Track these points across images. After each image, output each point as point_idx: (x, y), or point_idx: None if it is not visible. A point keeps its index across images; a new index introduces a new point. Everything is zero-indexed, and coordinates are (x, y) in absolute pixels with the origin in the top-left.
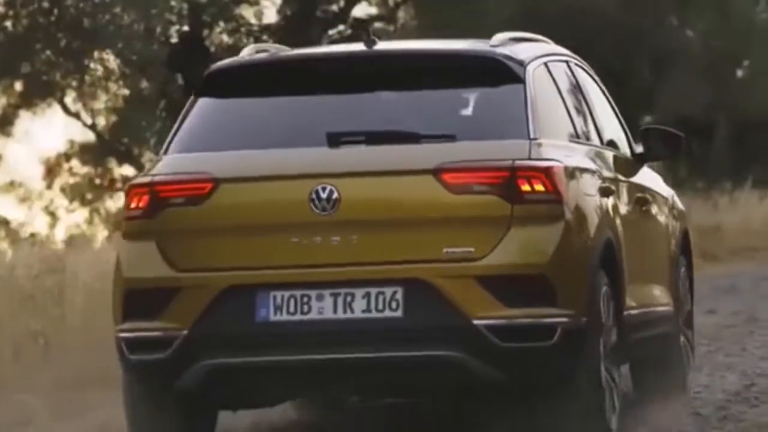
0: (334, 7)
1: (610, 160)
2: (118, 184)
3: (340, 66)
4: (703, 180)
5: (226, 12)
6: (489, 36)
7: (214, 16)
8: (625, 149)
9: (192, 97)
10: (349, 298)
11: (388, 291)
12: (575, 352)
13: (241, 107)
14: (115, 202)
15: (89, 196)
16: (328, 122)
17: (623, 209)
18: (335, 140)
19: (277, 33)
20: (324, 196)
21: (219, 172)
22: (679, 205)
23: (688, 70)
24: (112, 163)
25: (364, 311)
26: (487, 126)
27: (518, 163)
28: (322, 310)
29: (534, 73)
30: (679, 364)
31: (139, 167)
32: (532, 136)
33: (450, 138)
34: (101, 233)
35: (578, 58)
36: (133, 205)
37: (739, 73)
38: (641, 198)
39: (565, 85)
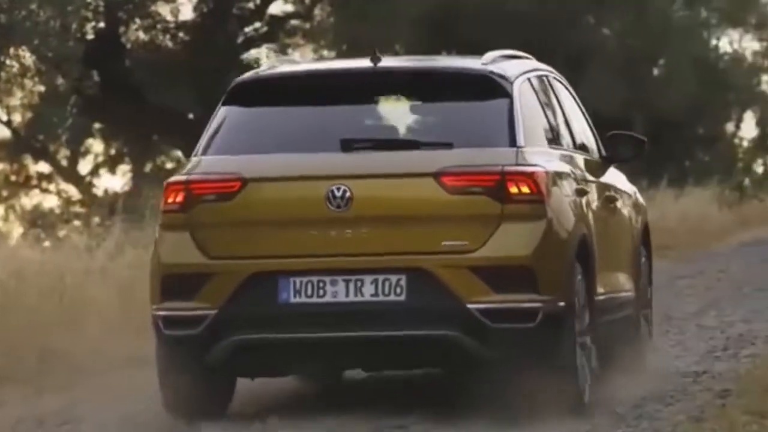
0: (251, 5)
1: (583, 163)
2: (34, 181)
3: (349, 80)
4: None
5: (142, 9)
6: (403, 32)
7: (130, 13)
8: (594, 152)
9: (219, 106)
10: (359, 284)
11: (394, 278)
12: (554, 332)
13: (264, 115)
14: (31, 199)
15: (5, 192)
16: (341, 130)
17: (594, 207)
18: (348, 146)
19: (194, 30)
20: (338, 194)
21: (247, 172)
22: (641, 200)
23: (604, 68)
24: (28, 159)
25: (372, 295)
26: (479, 135)
27: (507, 168)
28: (336, 294)
29: (519, 88)
30: (640, 341)
31: (55, 164)
32: (518, 144)
33: (448, 145)
34: (16, 230)
35: (555, 71)
36: (170, 201)
37: (655, 71)
38: (609, 196)
39: (544, 97)
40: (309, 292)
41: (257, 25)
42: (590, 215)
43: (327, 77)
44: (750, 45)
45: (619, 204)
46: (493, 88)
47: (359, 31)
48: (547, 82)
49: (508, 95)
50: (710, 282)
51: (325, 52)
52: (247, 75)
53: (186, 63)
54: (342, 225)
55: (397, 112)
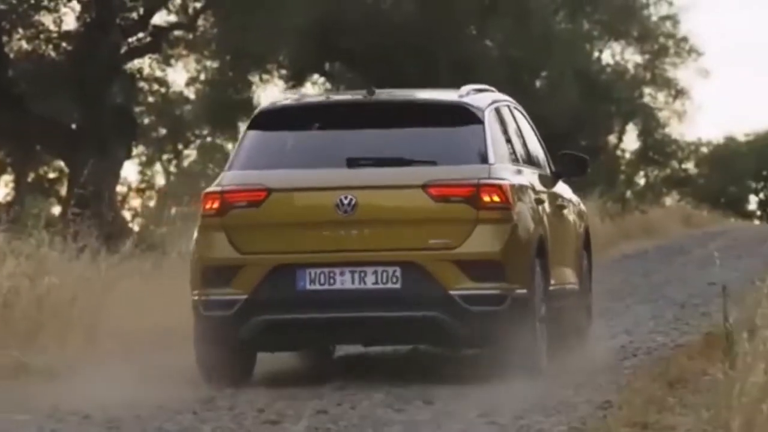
0: (134, 15)
1: (538, 177)
2: None
3: (351, 109)
4: None
5: (25, 18)
6: (287, 42)
7: (13, 23)
8: (546, 168)
9: (244, 130)
10: (362, 274)
11: (390, 270)
12: (519, 314)
13: (282, 138)
14: None
15: None
16: (347, 150)
17: (548, 214)
18: (353, 163)
19: (77, 40)
20: (345, 202)
21: (270, 184)
22: (583, 208)
23: (487, 79)
24: None
25: (373, 284)
26: (458, 154)
27: (481, 181)
28: (344, 282)
29: (489, 116)
30: (582, 325)
31: None
32: (489, 161)
33: (432, 163)
34: None
35: (514, 101)
36: (207, 207)
37: (538, 83)
38: (559, 204)
39: (507, 123)
40: (321, 281)
41: (141, 35)
42: (545, 220)
43: (332, 107)
44: (632, 57)
45: (566, 212)
46: (468, 116)
47: (243, 42)
48: (508, 111)
49: (480, 122)
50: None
51: (209, 63)
52: (268, 105)
53: (69, 73)
54: (348, 227)
55: (391, 135)
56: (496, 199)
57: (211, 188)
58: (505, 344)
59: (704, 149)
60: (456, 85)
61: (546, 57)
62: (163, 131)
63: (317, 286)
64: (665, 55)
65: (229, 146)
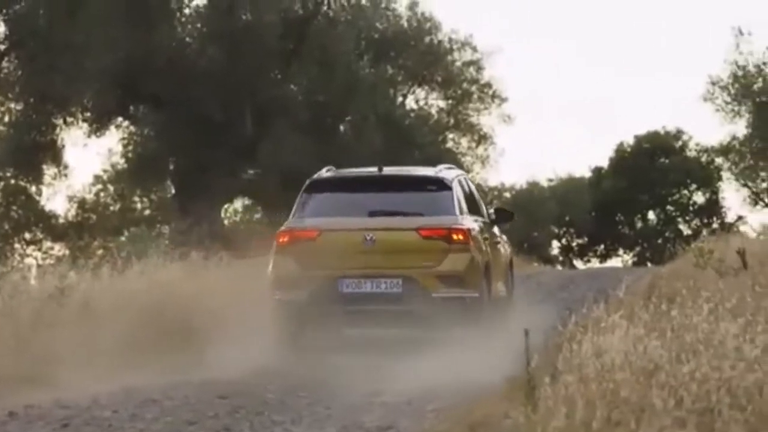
0: None
1: (483, 223)
2: None
3: (368, 180)
4: None
5: None
6: (90, 86)
7: None
8: (486, 217)
9: (301, 192)
10: (378, 283)
11: (395, 280)
12: (474, 309)
13: (327, 197)
14: None
15: None
16: (368, 205)
17: (489, 247)
18: (372, 213)
19: None
20: (368, 238)
21: (321, 227)
22: (507, 244)
23: (292, 123)
24: None
25: (385, 288)
26: (436, 209)
27: (451, 226)
28: (367, 287)
29: (454, 185)
30: (507, 318)
31: None
32: (455, 214)
33: (421, 214)
34: None
35: (467, 174)
36: (281, 240)
37: (342, 127)
38: (495, 241)
39: (465, 189)
40: (353, 286)
41: None
42: (488, 251)
43: (356, 178)
44: (436, 102)
45: (499, 246)
46: (442, 185)
47: (47, 84)
48: (465, 181)
49: (450, 188)
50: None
51: (12, 105)
52: (315, 177)
53: None
54: (369, 254)
55: (395, 197)
56: (460, 237)
57: (283, 229)
58: (464, 327)
59: (507, 194)
60: (262, 132)
61: (350, 101)
62: None
63: (351, 290)
64: (469, 100)
65: (33, 188)
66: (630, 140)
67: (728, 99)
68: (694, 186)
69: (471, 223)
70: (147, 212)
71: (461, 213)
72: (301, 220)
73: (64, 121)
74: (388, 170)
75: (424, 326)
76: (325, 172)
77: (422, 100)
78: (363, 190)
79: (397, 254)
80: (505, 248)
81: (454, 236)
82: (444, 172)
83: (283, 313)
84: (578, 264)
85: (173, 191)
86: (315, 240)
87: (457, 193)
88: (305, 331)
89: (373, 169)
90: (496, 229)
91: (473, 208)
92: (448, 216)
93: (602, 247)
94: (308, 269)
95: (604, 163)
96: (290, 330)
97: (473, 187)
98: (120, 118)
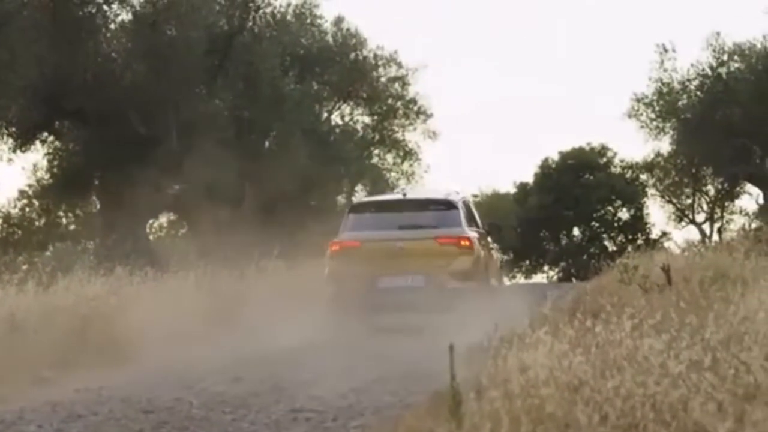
0: None
1: (480, 234)
2: None
3: (397, 202)
4: (230, 249)
5: None
6: (15, 102)
7: None
8: (482, 228)
9: (347, 213)
10: (407, 278)
11: (419, 276)
12: (477, 296)
13: (367, 216)
14: None
15: None
16: (397, 222)
17: (486, 251)
18: (400, 227)
19: None
20: (398, 246)
21: (362, 238)
22: (497, 249)
23: (217, 139)
24: None
25: (411, 283)
26: (448, 223)
27: (460, 235)
28: (399, 282)
29: (460, 204)
30: (497, 304)
31: None
32: (462, 227)
33: (436, 227)
34: None
35: (467, 195)
36: (333, 249)
37: (267, 143)
38: (490, 247)
39: (468, 207)
40: (387, 282)
41: None
42: (486, 254)
43: (387, 201)
44: (361, 118)
45: (492, 251)
46: (451, 205)
47: None
48: (466, 201)
49: (456, 208)
50: (327, 351)
51: None
52: (358, 201)
53: None
54: (399, 257)
55: (417, 215)
56: (466, 243)
57: (335, 239)
58: (470, 310)
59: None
60: (186, 149)
61: (275, 117)
62: None
63: (385, 285)
64: (394, 116)
65: None
66: (555, 156)
67: (653, 116)
68: (619, 202)
69: (473, 233)
70: (72, 227)
71: (466, 226)
72: (347, 233)
73: None
74: (410, 195)
75: (440, 310)
76: (364, 198)
77: (348, 115)
78: (392, 210)
79: (420, 257)
80: (496, 253)
81: (462, 243)
82: (452, 195)
83: (334, 301)
84: (504, 280)
85: (98, 206)
86: (358, 248)
87: (462, 211)
88: (350, 316)
89: (399, 195)
90: (489, 238)
91: (473, 223)
92: (456, 228)
93: (527, 262)
94: (353, 270)
95: (529, 179)
96: (338, 314)
97: (472, 207)
98: (45, 133)
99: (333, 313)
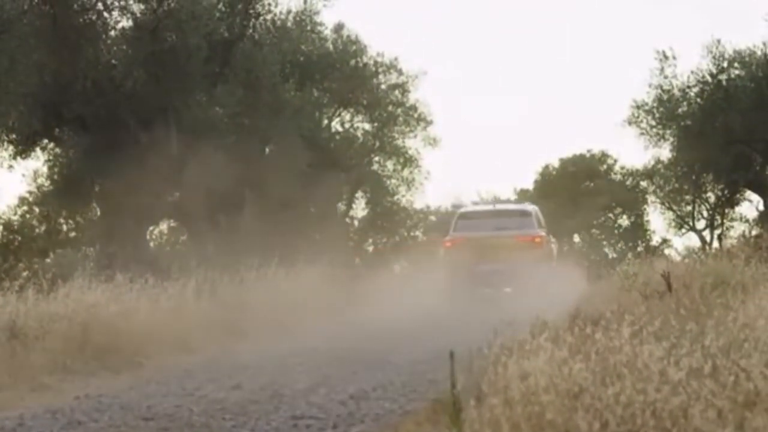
0: None
1: (546, 233)
2: None
3: (489, 211)
4: (230, 255)
5: None
6: (15, 108)
7: None
8: (545, 229)
9: (455, 218)
10: (498, 263)
11: (508, 263)
12: (549, 275)
13: (470, 221)
14: None
15: None
16: (489, 225)
17: (551, 245)
18: (494, 229)
19: None
20: (491, 243)
21: (467, 236)
22: (556, 244)
23: (216, 146)
24: None
25: (501, 267)
26: (525, 226)
27: (535, 235)
28: (491, 267)
29: (534, 212)
30: (557, 282)
31: None
32: (535, 228)
33: (517, 229)
34: None
35: (537, 205)
36: (447, 243)
37: (267, 150)
38: (552, 243)
39: (537, 214)
40: (484, 266)
41: None
42: (549, 247)
43: (482, 210)
44: (361, 125)
45: (553, 245)
46: (527, 212)
47: None
48: (538, 210)
49: (531, 215)
50: (321, 359)
51: None
52: (465, 209)
53: None
54: (492, 250)
55: (504, 221)
56: (538, 240)
57: (448, 237)
58: (537, 284)
59: (433, 217)
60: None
61: (275, 124)
62: None
63: (482, 267)
64: (394, 123)
65: None
66: (555, 163)
67: (653, 123)
68: (619, 209)
69: (543, 233)
70: (72, 234)
71: (538, 228)
72: (456, 232)
73: None
74: (498, 206)
75: (518, 285)
76: (470, 206)
77: (348, 122)
78: (485, 217)
79: (506, 250)
80: (555, 246)
81: (536, 240)
82: (527, 206)
83: (448, 281)
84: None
85: (99, 213)
86: (464, 243)
87: (535, 217)
88: (458, 291)
89: (491, 206)
90: (551, 236)
91: (540, 225)
92: (531, 229)
93: None
94: (460, 258)
95: (530, 186)
96: (450, 290)
97: (540, 214)
98: (45, 140)
99: (447, 285)
